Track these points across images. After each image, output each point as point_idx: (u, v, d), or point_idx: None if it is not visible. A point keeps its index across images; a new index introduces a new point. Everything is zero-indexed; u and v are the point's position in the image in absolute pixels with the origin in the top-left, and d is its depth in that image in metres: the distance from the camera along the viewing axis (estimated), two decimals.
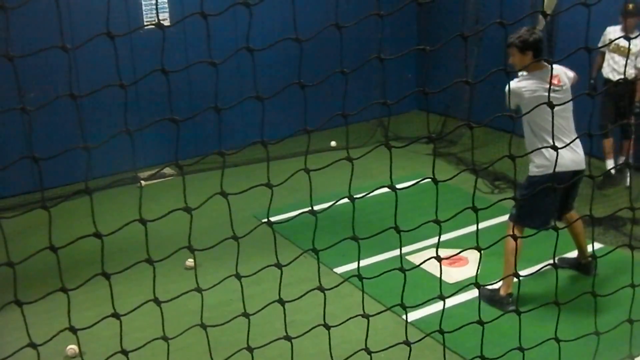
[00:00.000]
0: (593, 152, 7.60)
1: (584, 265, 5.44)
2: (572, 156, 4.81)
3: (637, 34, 2.89)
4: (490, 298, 5.06)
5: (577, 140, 4.83)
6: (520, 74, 4.97)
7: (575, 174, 4.80)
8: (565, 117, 4.84)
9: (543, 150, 4.70)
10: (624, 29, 6.85)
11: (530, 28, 4.93)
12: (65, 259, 2.07)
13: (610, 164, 7.28)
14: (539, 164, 4.88)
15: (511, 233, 4.91)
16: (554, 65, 4.89)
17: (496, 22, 2.20)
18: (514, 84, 4.89)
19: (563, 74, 4.97)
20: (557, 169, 4.66)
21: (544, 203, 4.79)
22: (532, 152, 4.79)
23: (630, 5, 6.81)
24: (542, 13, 2.26)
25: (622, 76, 6.91)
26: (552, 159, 4.73)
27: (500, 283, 5.06)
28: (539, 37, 4.86)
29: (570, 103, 4.77)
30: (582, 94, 2.42)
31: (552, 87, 4.74)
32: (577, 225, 5.24)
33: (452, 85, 2.33)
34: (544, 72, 4.86)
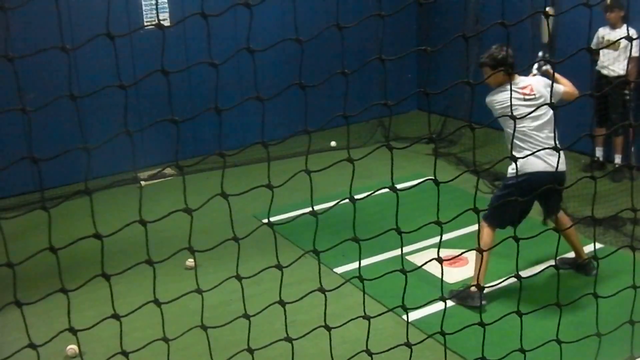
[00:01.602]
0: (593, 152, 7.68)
1: (582, 265, 5.45)
2: (544, 163, 4.93)
3: (636, 36, 2.89)
4: (461, 297, 5.08)
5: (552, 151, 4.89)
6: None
7: (554, 177, 4.85)
8: (537, 125, 4.98)
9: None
10: (610, 24, 7.18)
11: (499, 46, 5.12)
12: (65, 260, 2.06)
13: (599, 151, 7.68)
14: (513, 167, 5.02)
15: (484, 231, 5.03)
16: (527, 77, 5.23)
17: (497, 23, 2.20)
18: (487, 98, 5.13)
19: (540, 84, 5.13)
20: (529, 170, 4.83)
21: (512, 205, 4.84)
22: (526, 156, 4.90)
23: (608, 0, 7.06)
24: (543, 13, 2.26)
25: (609, 69, 7.21)
26: (521, 162, 4.82)
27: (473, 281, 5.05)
28: (508, 53, 5.04)
29: (548, 114, 4.95)
30: (585, 95, 2.42)
31: (523, 96, 5.02)
32: (565, 225, 5.21)
33: (452, 85, 2.33)
34: (515, 84, 5.06)
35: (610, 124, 7.24)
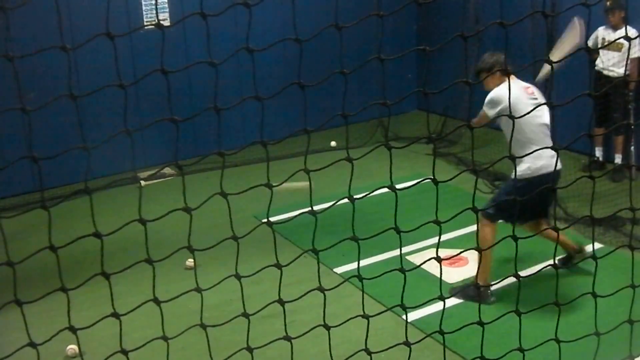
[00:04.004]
0: (593, 152, 7.68)
1: (568, 258, 5.50)
2: (546, 161, 4.85)
3: (637, 35, 2.89)
4: (466, 294, 5.07)
5: (549, 151, 4.83)
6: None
7: (555, 176, 4.82)
8: (540, 126, 4.97)
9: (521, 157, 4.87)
10: (611, 26, 7.20)
11: (490, 53, 5.28)
12: (65, 259, 2.07)
13: (598, 151, 7.69)
14: (525, 168, 4.89)
15: (483, 226, 4.95)
16: (524, 80, 5.22)
17: (496, 23, 2.20)
18: (493, 94, 5.05)
19: (534, 87, 5.19)
20: (541, 172, 4.77)
21: (524, 204, 4.77)
22: (527, 155, 4.87)
23: (608, 2, 7.10)
24: (542, 13, 2.26)
25: (609, 70, 7.22)
26: (532, 162, 4.81)
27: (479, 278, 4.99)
28: (500, 56, 5.13)
29: (546, 116, 4.96)
30: (583, 95, 2.42)
31: (528, 96, 5.00)
32: (548, 233, 5.05)
33: (452, 85, 2.33)
34: (517, 83, 5.03)
35: (611, 124, 7.24)
